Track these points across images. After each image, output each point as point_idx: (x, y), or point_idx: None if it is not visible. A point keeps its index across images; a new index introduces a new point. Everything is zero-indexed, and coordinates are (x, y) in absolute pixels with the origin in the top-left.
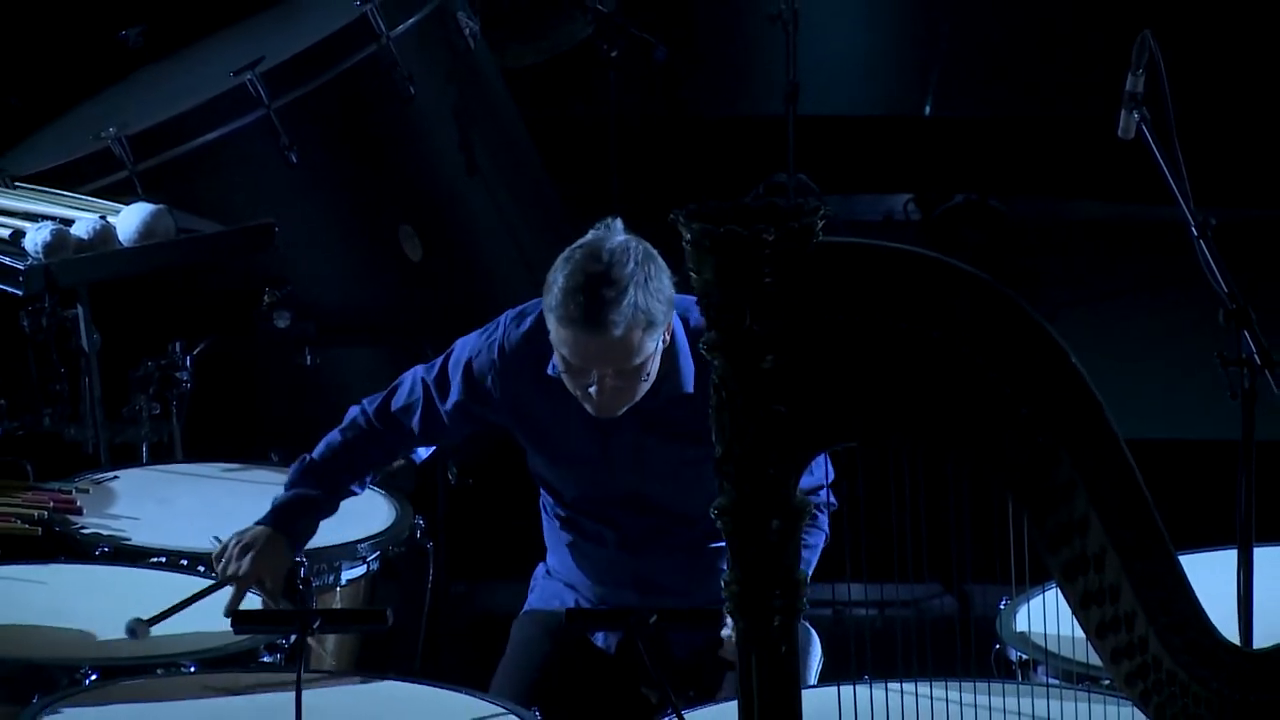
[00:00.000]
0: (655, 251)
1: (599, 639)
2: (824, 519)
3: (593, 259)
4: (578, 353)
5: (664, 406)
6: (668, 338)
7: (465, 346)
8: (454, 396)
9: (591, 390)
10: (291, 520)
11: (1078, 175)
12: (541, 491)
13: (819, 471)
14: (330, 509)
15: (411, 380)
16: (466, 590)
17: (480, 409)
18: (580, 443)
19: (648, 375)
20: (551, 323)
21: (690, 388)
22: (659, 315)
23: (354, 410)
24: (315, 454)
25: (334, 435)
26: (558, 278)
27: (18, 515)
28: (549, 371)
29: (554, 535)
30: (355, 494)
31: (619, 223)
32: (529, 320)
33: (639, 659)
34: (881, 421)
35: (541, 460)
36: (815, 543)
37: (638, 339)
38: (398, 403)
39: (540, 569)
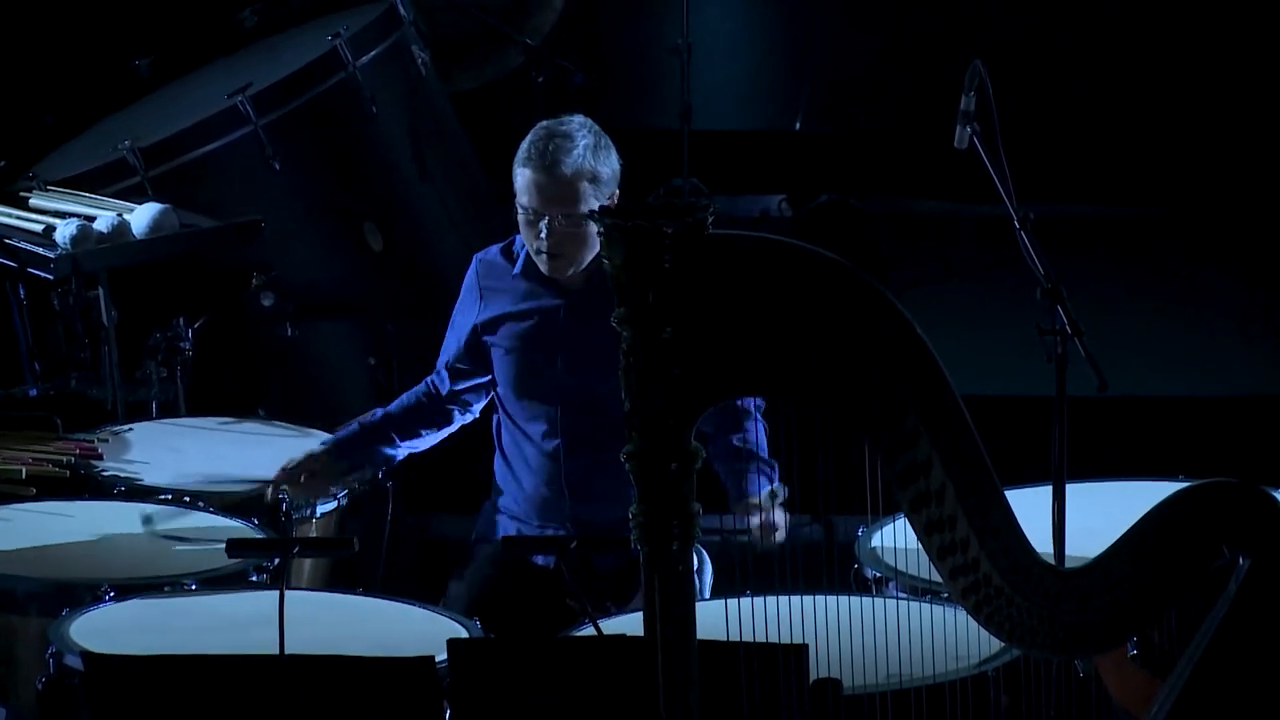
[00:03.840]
0: (609, 139)
1: (538, 559)
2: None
3: (555, 122)
4: (533, 193)
5: (605, 290)
6: None
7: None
8: (455, 316)
9: (542, 235)
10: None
11: (922, 178)
12: (498, 414)
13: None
14: (374, 433)
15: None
16: (420, 522)
17: (476, 314)
18: (538, 332)
19: (589, 235)
20: (516, 174)
21: None
22: (604, 175)
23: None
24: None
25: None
26: (526, 138)
27: (49, 460)
28: (513, 272)
29: (502, 459)
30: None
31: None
32: (494, 247)
33: (562, 578)
34: (760, 381)
35: (506, 357)
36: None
37: (583, 188)
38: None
39: (487, 505)
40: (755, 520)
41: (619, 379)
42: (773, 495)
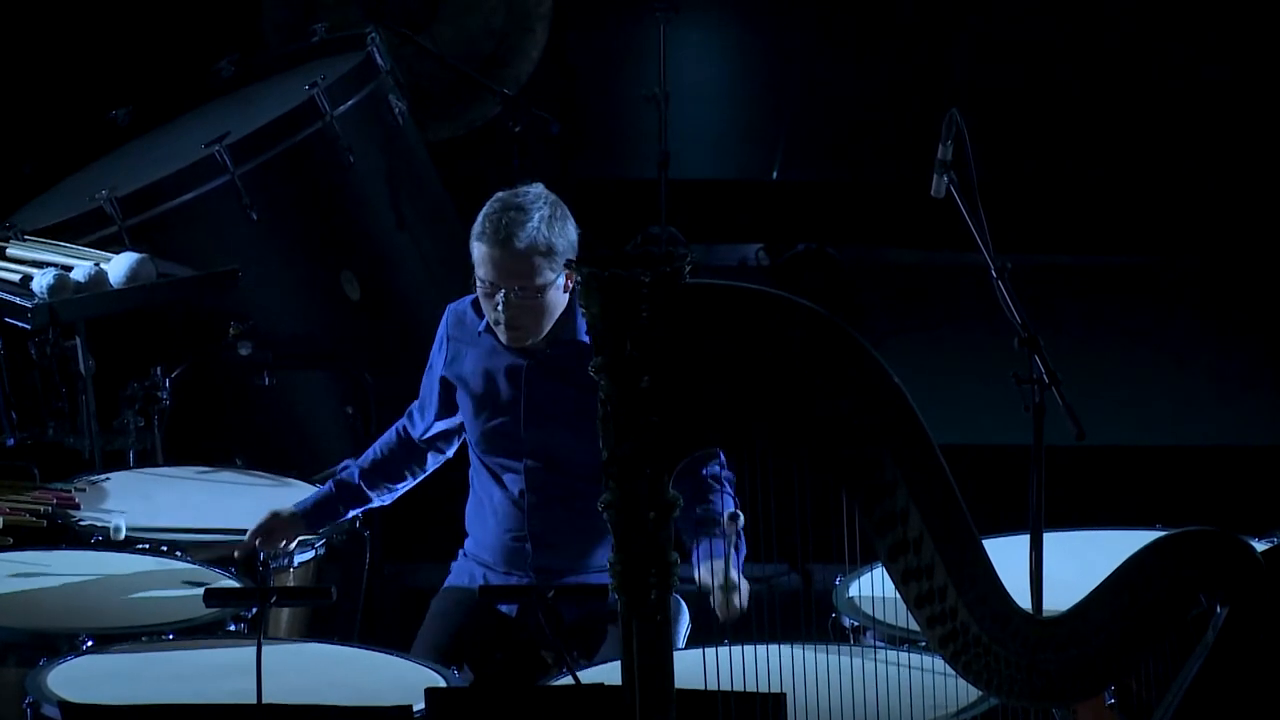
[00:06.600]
0: (567, 208)
1: (503, 607)
2: (727, 486)
3: (511, 194)
4: (488, 267)
5: (566, 354)
6: (569, 285)
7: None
8: (430, 363)
9: (499, 308)
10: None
11: (898, 227)
12: (470, 459)
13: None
14: (343, 491)
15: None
16: (397, 571)
17: (443, 366)
18: (502, 390)
19: (547, 306)
20: (473, 247)
21: (585, 338)
22: (559, 247)
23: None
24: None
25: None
26: (482, 211)
27: (27, 510)
28: (479, 329)
29: (474, 502)
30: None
31: (539, 185)
32: (468, 298)
33: (538, 627)
34: (738, 430)
35: (471, 412)
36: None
37: (537, 262)
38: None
39: (459, 554)
40: (718, 588)
41: (587, 433)
42: (733, 518)
